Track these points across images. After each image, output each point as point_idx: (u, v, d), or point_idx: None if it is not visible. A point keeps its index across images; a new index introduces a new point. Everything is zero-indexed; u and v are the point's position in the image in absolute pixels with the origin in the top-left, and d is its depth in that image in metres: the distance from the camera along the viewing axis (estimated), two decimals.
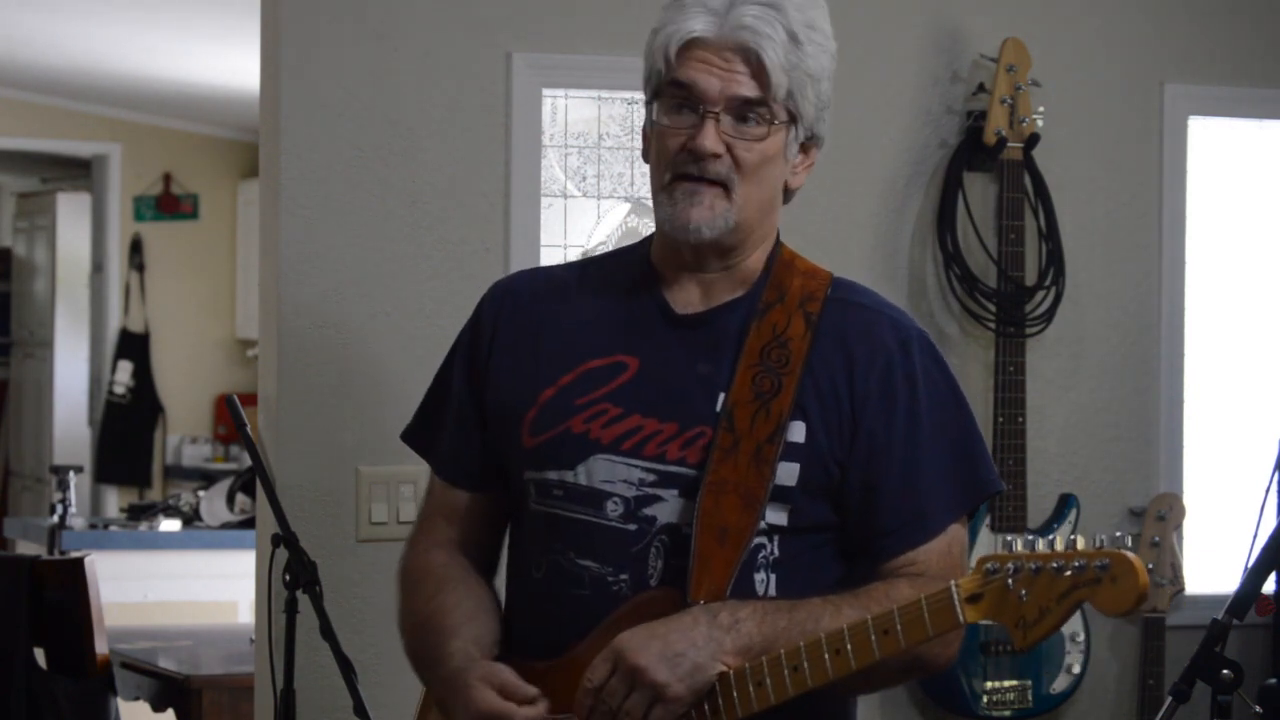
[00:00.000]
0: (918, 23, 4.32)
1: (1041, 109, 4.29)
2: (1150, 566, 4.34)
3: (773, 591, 2.55)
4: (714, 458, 2.53)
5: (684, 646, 2.45)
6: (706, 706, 2.47)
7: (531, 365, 2.66)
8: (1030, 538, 2.32)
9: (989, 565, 2.32)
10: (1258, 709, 3.02)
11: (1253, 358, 4.63)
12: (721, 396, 2.57)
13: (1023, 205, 4.32)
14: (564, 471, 2.60)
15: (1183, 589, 4.36)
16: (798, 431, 2.56)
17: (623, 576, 2.55)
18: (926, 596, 2.37)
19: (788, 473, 2.55)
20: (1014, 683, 4.26)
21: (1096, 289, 4.43)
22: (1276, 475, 3.03)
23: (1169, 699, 2.71)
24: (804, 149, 2.64)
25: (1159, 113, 4.48)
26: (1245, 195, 4.63)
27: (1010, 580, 2.31)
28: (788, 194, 2.66)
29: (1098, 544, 2.27)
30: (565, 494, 2.60)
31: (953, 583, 2.35)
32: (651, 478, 2.56)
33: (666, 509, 2.56)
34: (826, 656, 2.41)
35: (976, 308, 4.30)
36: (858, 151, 4.26)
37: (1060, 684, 4.31)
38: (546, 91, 4.08)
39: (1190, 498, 4.46)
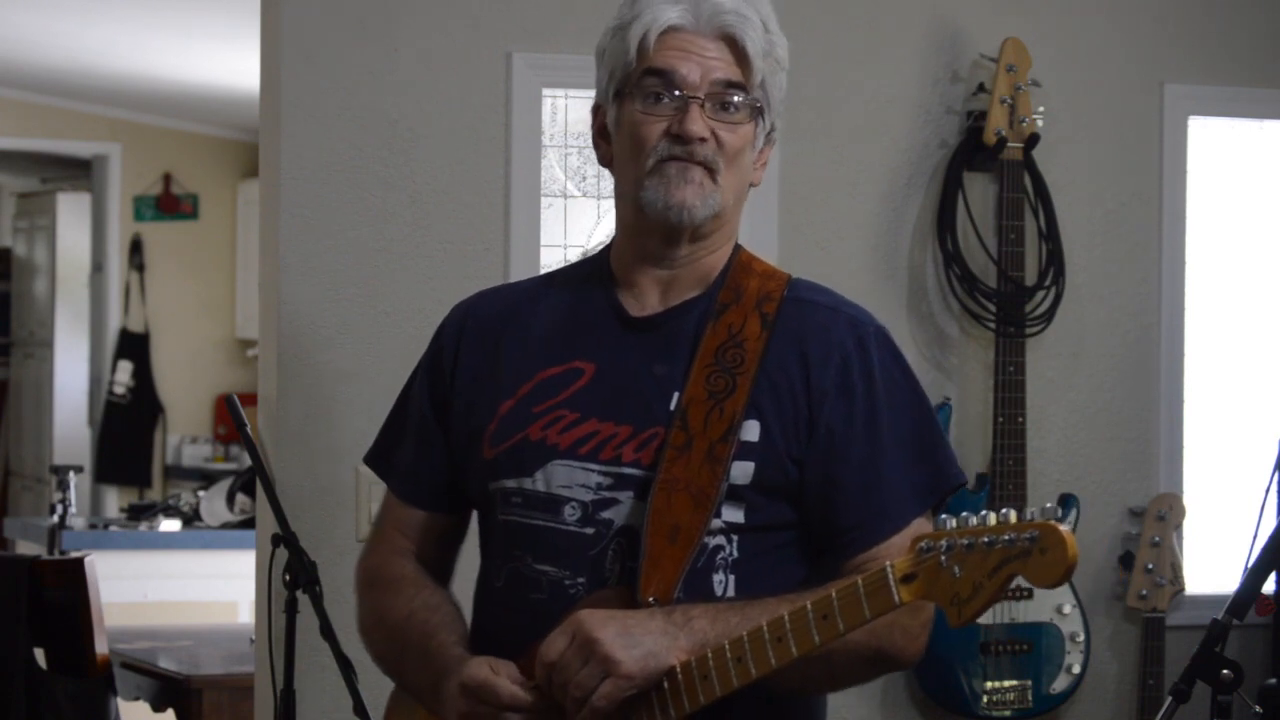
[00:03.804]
0: (918, 23, 4.32)
1: (1041, 109, 4.29)
2: (1150, 566, 4.34)
3: (732, 592, 2.54)
4: (666, 457, 2.52)
5: (641, 633, 2.44)
6: (655, 702, 2.46)
7: (492, 381, 2.65)
8: (964, 514, 2.29)
9: (923, 544, 2.28)
10: (1258, 709, 3.02)
11: (1253, 358, 4.63)
12: (676, 396, 2.56)
13: (1023, 205, 4.32)
14: (523, 479, 2.59)
15: (1183, 589, 4.36)
16: (752, 430, 2.54)
17: (580, 580, 2.55)
18: (862, 578, 2.33)
19: (742, 471, 2.53)
20: (1014, 683, 4.26)
21: (1096, 289, 4.43)
22: (1276, 475, 3.03)
23: (1169, 699, 2.72)
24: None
25: (1159, 113, 4.48)
26: (1245, 195, 4.63)
27: (943, 558, 2.27)
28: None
29: (1029, 517, 2.25)
30: (524, 501, 2.59)
31: (888, 563, 2.32)
32: (608, 481, 2.55)
33: (623, 511, 2.55)
34: (768, 645, 2.38)
35: (976, 308, 4.30)
36: (858, 151, 4.26)
37: (1060, 684, 4.31)
38: (546, 91, 4.09)
39: (1190, 498, 4.46)
